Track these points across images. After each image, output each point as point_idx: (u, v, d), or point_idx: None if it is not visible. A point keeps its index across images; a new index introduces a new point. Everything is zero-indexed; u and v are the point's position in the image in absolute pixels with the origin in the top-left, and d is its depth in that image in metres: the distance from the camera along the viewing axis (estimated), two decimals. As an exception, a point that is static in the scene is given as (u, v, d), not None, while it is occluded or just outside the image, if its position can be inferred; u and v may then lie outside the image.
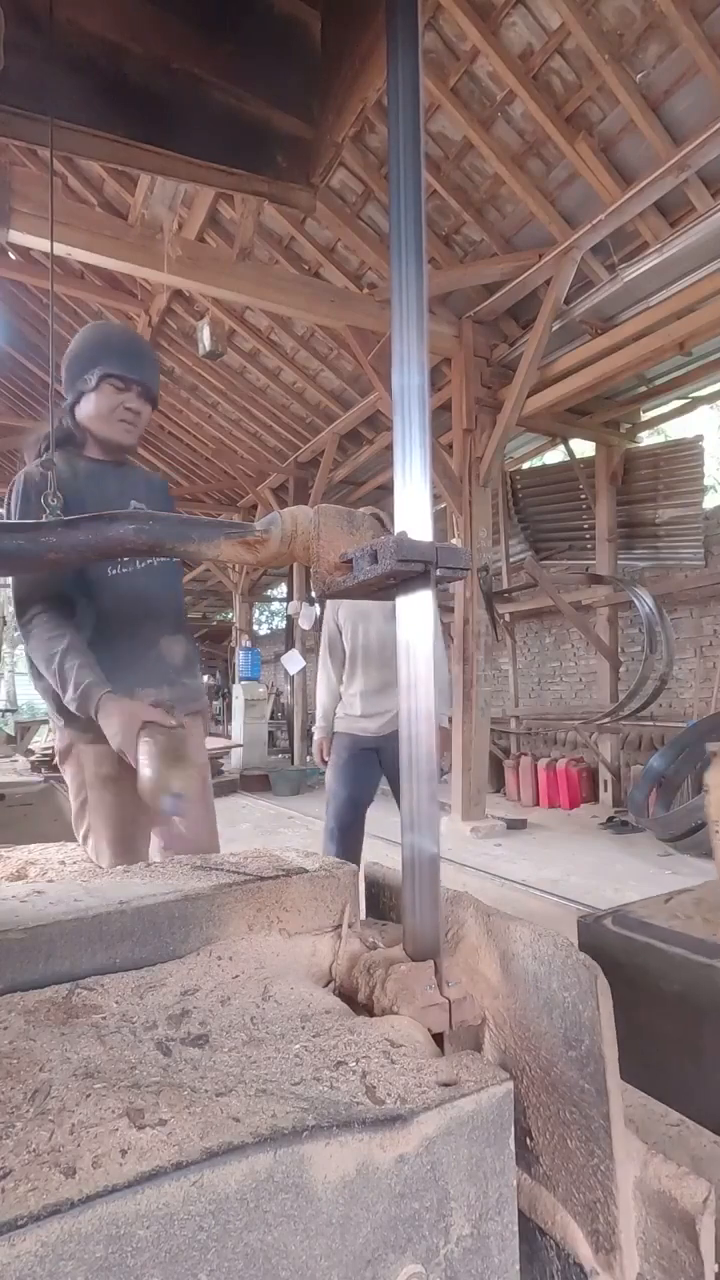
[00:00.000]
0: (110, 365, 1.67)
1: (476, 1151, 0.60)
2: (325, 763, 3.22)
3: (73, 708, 1.49)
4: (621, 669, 7.36)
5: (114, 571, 1.66)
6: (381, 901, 1.08)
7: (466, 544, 5.75)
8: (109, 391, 1.68)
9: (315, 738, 3.26)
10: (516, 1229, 0.62)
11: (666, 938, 0.79)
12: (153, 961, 0.85)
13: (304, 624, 9.04)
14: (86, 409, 1.70)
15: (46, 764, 6.52)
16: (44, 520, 1.24)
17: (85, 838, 1.68)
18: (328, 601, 3.34)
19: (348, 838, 3.08)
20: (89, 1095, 0.56)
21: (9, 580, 1.80)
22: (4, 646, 20.22)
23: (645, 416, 7.59)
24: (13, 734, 9.94)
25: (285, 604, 11.45)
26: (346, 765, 3.13)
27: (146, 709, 1.44)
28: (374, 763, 3.10)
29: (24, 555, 1.03)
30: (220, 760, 9.11)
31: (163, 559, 1.74)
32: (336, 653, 3.21)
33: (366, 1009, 0.82)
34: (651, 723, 6.59)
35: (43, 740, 9.28)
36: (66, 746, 1.69)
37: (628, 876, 4.53)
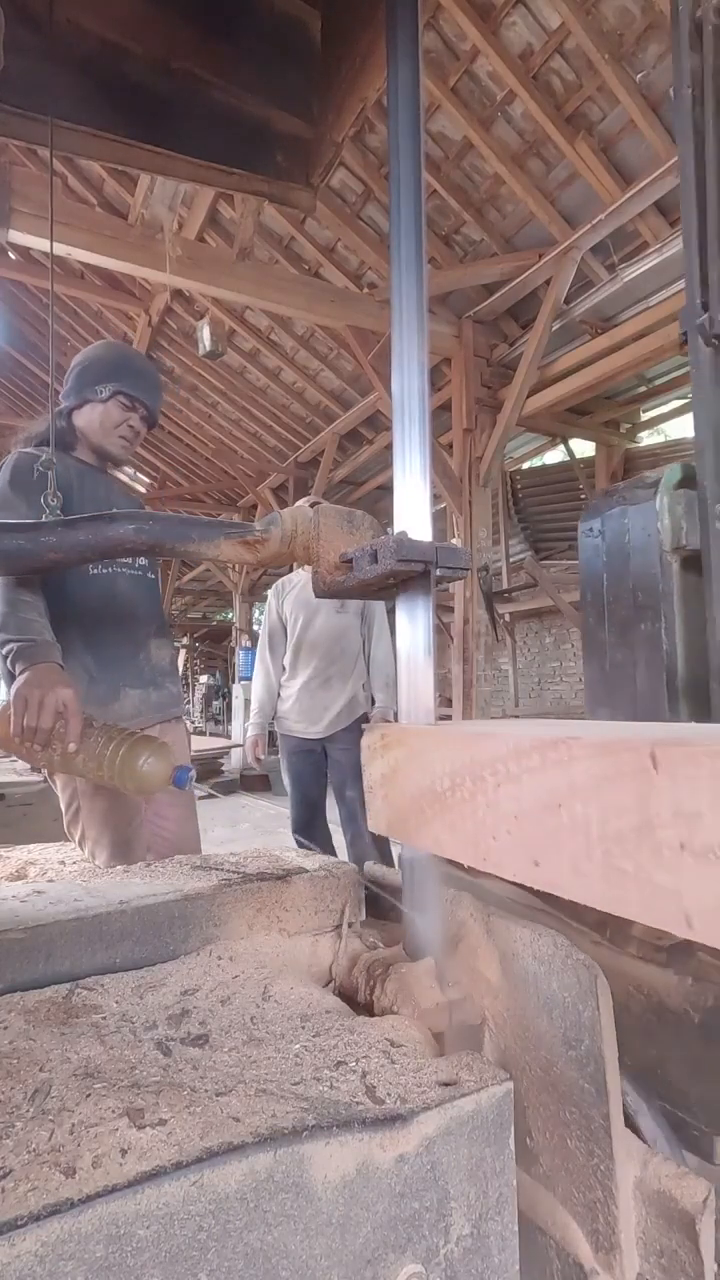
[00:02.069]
0: (125, 384, 1.71)
1: (476, 1151, 0.60)
2: (259, 761, 3.15)
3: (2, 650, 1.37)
4: (621, 669, 7.36)
5: (95, 571, 1.67)
6: (381, 901, 1.08)
7: (466, 544, 5.75)
8: (117, 408, 1.72)
9: (249, 735, 3.16)
10: (516, 1229, 0.62)
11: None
12: (153, 961, 0.85)
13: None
14: (90, 417, 1.73)
15: (46, 764, 6.49)
16: (44, 520, 1.24)
17: (81, 843, 1.68)
18: (271, 591, 3.24)
19: (309, 837, 3.07)
20: (89, 1095, 0.56)
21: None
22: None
23: (645, 416, 7.59)
24: (13, 734, 9.92)
25: (285, 604, 11.42)
26: (290, 765, 3.12)
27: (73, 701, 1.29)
28: (318, 760, 3.08)
29: (24, 555, 1.03)
30: (220, 760, 9.12)
31: (143, 567, 1.76)
32: (278, 646, 3.11)
33: (366, 1009, 0.82)
34: (651, 723, 6.58)
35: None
36: None
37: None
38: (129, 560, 1.72)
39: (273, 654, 3.12)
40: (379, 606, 3.06)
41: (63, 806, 1.68)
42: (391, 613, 0.94)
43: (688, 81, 1.12)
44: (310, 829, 3.09)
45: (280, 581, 3.23)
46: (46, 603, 1.55)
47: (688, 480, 1.08)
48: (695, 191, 1.10)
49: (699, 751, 0.46)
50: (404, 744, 0.80)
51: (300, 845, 3.02)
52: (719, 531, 0.98)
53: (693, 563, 1.01)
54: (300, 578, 3.16)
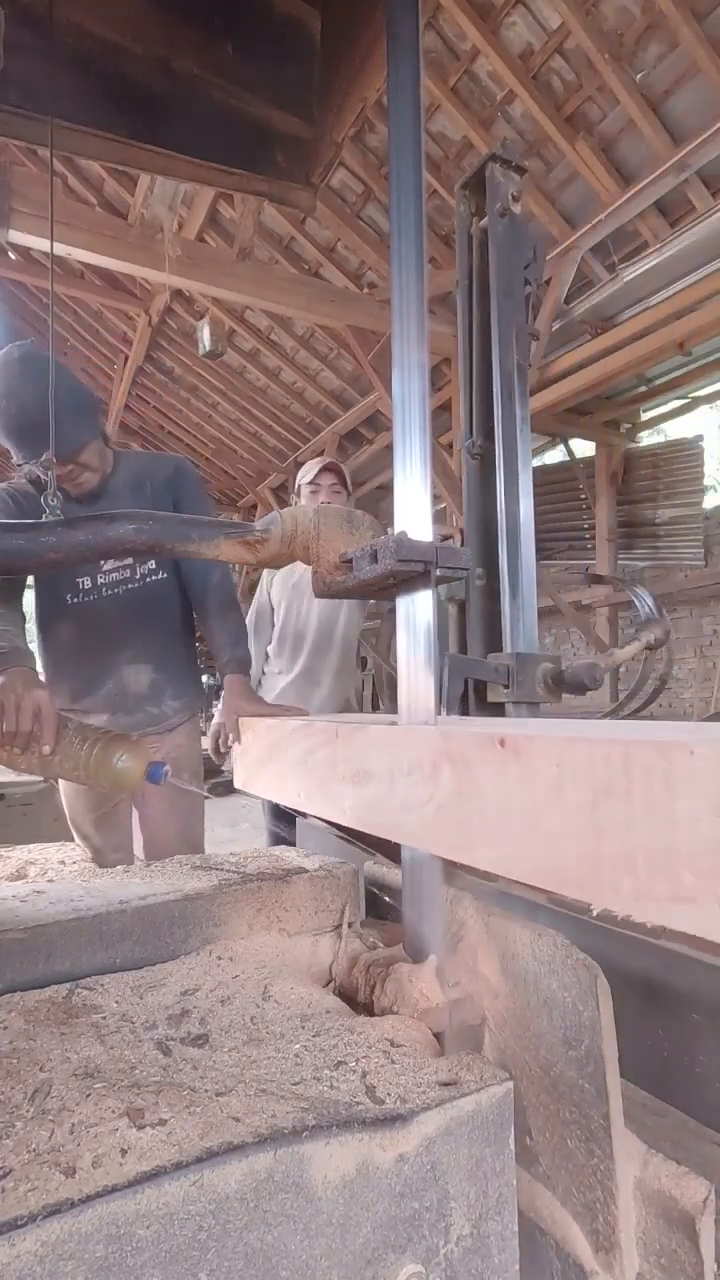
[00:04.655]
0: (14, 453, 1.53)
1: (476, 1151, 0.60)
2: (221, 754, 2.25)
3: None
4: (621, 669, 7.36)
5: (74, 601, 1.63)
6: (381, 901, 1.08)
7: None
8: (33, 466, 1.54)
9: (214, 721, 2.58)
10: (516, 1229, 0.62)
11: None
12: (153, 961, 0.85)
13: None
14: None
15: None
16: (44, 520, 1.24)
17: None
18: (263, 571, 2.88)
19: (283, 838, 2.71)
20: (89, 1095, 0.56)
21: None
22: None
23: (645, 416, 7.59)
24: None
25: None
26: None
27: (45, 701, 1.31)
28: None
29: (24, 555, 1.03)
30: (220, 760, 9.09)
31: (144, 583, 1.70)
32: (263, 628, 2.80)
33: (366, 1009, 0.82)
34: (652, 722, 6.58)
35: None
36: None
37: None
38: (127, 575, 1.66)
39: (257, 636, 2.78)
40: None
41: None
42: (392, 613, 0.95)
43: (466, 274, 1.56)
44: (286, 833, 2.80)
45: None
46: (13, 600, 1.58)
47: None
48: (465, 352, 1.56)
49: (353, 728, 0.90)
50: (252, 729, 1.31)
51: (276, 835, 2.81)
52: (476, 588, 1.48)
53: (461, 608, 1.52)
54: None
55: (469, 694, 1.43)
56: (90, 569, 1.64)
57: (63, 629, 1.65)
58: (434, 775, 0.71)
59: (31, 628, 1.73)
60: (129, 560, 1.65)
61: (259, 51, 1.56)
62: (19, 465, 1.53)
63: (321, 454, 8.72)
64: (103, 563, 1.63)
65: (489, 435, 1.48)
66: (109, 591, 1.66)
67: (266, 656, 2.85)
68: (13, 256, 6.56)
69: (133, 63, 1.47)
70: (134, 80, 1.48)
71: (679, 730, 0.58)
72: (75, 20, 1.39)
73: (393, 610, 1.39)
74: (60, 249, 4.63)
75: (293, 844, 1.40)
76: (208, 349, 6.20)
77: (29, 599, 1.70)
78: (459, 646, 1.53)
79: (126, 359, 8.59)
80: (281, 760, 1.15)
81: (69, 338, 8.95)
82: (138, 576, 1.69)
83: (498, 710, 1.40)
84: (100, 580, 1.65)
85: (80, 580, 1.63)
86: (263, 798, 1.34)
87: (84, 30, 1.41)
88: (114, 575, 1.65)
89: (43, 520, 1.06)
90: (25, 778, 3.48)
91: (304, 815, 1.38)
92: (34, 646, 1.66)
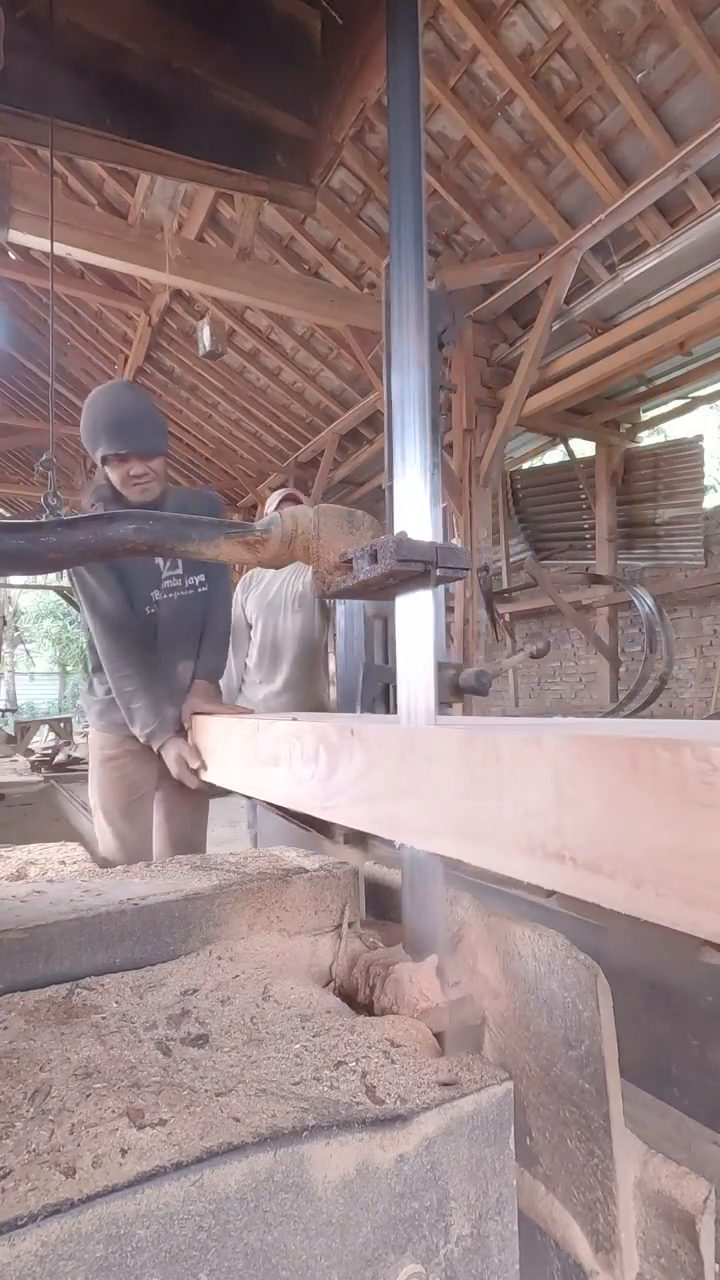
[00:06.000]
0: (105, 445, 1.75)
1: (476, 1151, 0.60)
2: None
3: (141, 738, 1.78)
4: (621, 669, 7.36)
5: (150, 611, 1.86)
6: (381, 901, 1.08)
7: (466, 544, 5.74)
8: (114, 464, 1.78)
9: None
10: (516, 1229, 0.62)
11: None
12: (153, 961, 0.85)
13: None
14: (107, 474, 1.83)
15: (46, 764, 6.53)
16: (44, 520, 1.24)
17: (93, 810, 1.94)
18: (238, 584, 2.98)
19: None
20: (89, 1095, 0.56)
21: (8, 580, 1.84)
22: (4, 646, 20.27)
23: (645, 416, 7.58)
24: (13, 734, 9.91)
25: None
26: None
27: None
28: None
29: (24, 555, 1.02)
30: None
31: (194, 592, 1.90)
32: (240, 643, 2.89)
33: (367, 1009, 0.82)
34: (652, 723, 6.57)
35: (43, 740, 9.27)
36: (90, 731, 2.03)
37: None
38: (178, 584, 1.86)
39: (235, 651, 2.88)
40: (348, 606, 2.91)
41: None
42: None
43: (389, 340, 1.81)
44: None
45: (249, 574, 3.01)
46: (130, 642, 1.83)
47: None
48: (387, 404, 1.77)
49: (268, 723, 1.17)
50: (204, 726, 1.64)
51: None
52: (390, 604, 1.86)
53: (385, 623, 1.82)
54: (266, 574, 2.93)
55: (389, 696, 1.81)
56: (155, 581, 1.85)
57: (137, 637, 1.83)
58: (315, 758, 0.97)
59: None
60: (179, 570, 1.88)
61: (259, 51, 1.56)
62: (104, 460, 1.76)
63: (321, 454, 8.73)
64: (163, 574, 1.86)
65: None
66: (164, 596, 1.86)
67: (246, 668, 3.00)
68: (13, 256, 6.55)
69: (133, 63, 1.47)
70: (134, 80, 1.48)
71: (512, 724, 0.79)
72: (75, 20, 1.39)
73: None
74: (60, 249, 4.63)
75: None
76: (208, 349, 6.19)
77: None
78: (387, 651, 1.81)
79: (126, 359, 8.58)
80: (223, 749, 1.48)
81: (69, 338, 8.94)
82: (187, 586, 1.89)
83: None
84: (164, 588, 1.87)
85: (153, 593, 1.84)
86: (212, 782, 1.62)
87: (84, 30, 1.41)
88: (169, 583, 1.88)
89: (43, 520, 1.06)
90: (25, 777, 3.48)
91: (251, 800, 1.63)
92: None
